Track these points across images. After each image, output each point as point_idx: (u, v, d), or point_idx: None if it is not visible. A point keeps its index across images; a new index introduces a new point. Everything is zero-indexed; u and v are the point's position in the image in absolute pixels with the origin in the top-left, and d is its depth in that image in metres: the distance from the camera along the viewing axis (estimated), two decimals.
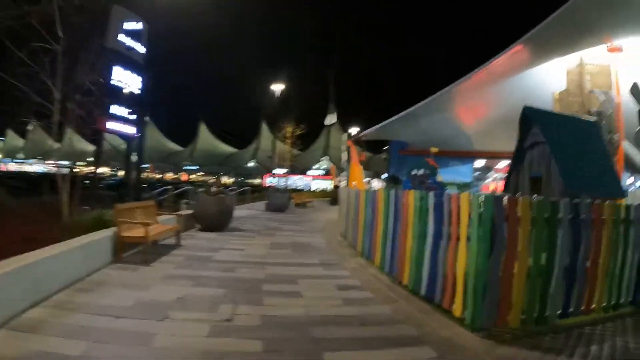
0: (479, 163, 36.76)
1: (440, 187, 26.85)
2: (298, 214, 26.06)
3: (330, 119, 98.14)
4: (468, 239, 6.12)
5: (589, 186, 10.07)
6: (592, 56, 21.21)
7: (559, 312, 6.38)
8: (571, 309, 6.53)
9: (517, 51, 21.64)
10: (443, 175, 29.25)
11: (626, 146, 21.99)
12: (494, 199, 5.92)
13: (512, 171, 11.38)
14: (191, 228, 14.64)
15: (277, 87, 41.53)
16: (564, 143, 10.58)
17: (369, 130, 28.53)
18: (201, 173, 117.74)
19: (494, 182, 34.01)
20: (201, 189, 16.49)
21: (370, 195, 10.39)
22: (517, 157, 11.22)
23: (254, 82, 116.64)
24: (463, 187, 35.18)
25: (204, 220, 14.76)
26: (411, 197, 7.92)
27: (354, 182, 22.79)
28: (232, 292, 7.40)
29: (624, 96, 20.79)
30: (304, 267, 9.85)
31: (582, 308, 6.65)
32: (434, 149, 27.88)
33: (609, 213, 6.90)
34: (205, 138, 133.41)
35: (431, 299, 7.05)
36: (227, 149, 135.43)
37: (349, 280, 8.71)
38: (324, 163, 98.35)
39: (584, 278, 6.62)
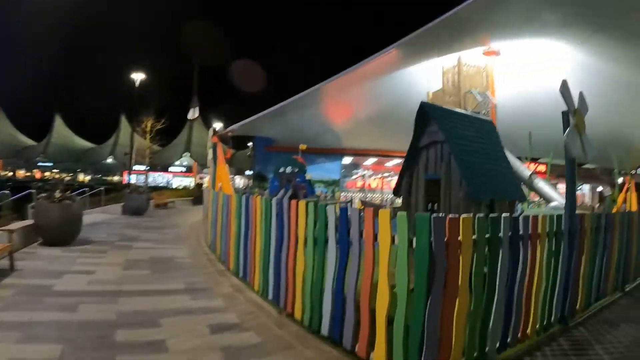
0: (347, 160, 36.28)
1: (309, 185, 25.56)
2: (159, 217, 23.46)
3: (193, 113, 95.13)
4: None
5: (492, 189, 9.29)
6: (469, 57, 21.15)
7: (497, 345, 5.44)
8: (509, 339, 5.65)
9: (393, 53, 20.97)
10: (311, 173, 28.01)
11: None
12: (433, 221, 4.55)
13: (405, 173, 10.06)
14: (33, 242, 11.73)
15: (137, 77, 37.43)
16: (463, 143, 9.43)
17: (235, 125, 26.88)
18: (56, 170, 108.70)
19: (362, 179, 33.35)
20: (43, 194, 13.38)
21: (244, 202, 8.57)
22: (411, 158, 9.93)
23: (115, 72, 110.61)
24: (331, 184, 34.43)
25: (46, 233, 11.79)
26: (302, 209, 6.38)
27: (219, 184, 21.04)
28: (72, 350, 5.18)
29: (499, 97, 20.91)
30: (167, 296, 7.73)
31: (519, 336, 5.84)
32: (302, 146, 26.55)
33: (543, 226, 6.22)
34: (61, 132, 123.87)
35: (337, 341, 5.60)
36: (84, 143, 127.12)
37: (226, 315, 6.77)
38: (186, 159, 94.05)
39: (522, 303, 5.84)
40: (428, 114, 9.56)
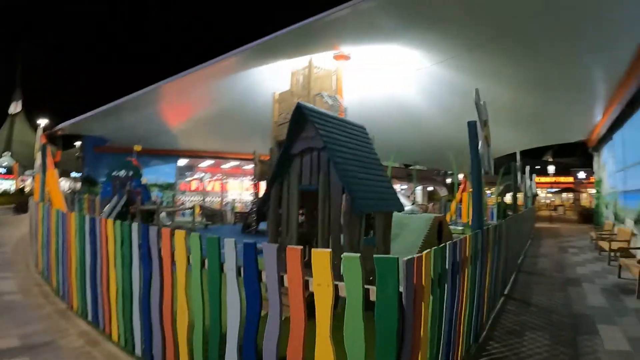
0: (182, 162, 34.54)
1: (146, 190, 23.65)
2: None
3: (15, 107, 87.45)
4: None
5: (375, 201, 8.45)
6: (320, 60, 20.54)
7: None
8: None
9: (238, 57, 19.86)
10: (146, 176, 25.99)
11: None
12: (406, 265, 3.53)
13: (274, 182, 8.83)
14: None
15: None
16: (343, 150, 8.43)
17: (66, 123, 24.18)
18: None
19: (200, 182, 31.67)
20: None
21: (88, 225, 6.85)
22: (282, 165, 8.73)
23: None
24: (166, 188, 32.44)
25: None
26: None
27: (47, 192, 18.60)
28: None
29: (348, 101, 20.48)
30: None
31: None
32: (137, 147, 24.53)
33: (469, 249, 5.80)
34: None
35: None
36: None
37: None
38: (6, 159, 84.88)
39: (457, 332, 5.33)
40: (306, 117, 8.40)
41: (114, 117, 24.11)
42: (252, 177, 20.98)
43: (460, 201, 32.62)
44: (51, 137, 20.95)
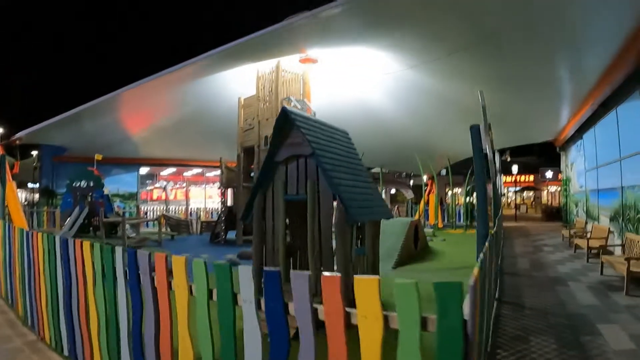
0: (143, 170, 33.65)
1: (108, 201, 22.84)
2: None
3: None
4: None
5: (366, 209, 8.15)
6: (286, 64, 20.23)
7: None
8: None
9: (201, 63, 19.29)
10: (107, 186, 25.11)
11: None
12: (472, 290, 3.01)
13: (257, 192, 8.33)
14: None
15: None
16: (331, 157, 8.02)
17: (24, 132, 23.10)
18: None
19: (162, 190, 30.84)
20: None
21: (60, 247, 6.09)
22: (265, 174, 8.25)
23: None
24: (128, 198, 31.53)
25: None
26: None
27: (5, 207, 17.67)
28: None
29: (315, 106, 20.13)
30: None
31: None
32: (98, 156, 23.69)
33: None
34: None
35: None
36: None
37: None
38: None
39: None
40: (292, 123, 7.94)
41: (73, 125, 23.22)
42: (219, 184, 20.31)
43: (427, 203, 32.67)
44: (8, 147, 19.81)
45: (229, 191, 21.76)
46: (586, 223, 20.60)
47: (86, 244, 5.45)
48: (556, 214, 35.50)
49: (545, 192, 63.62)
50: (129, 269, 4.85)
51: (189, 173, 36.73)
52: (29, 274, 7.27)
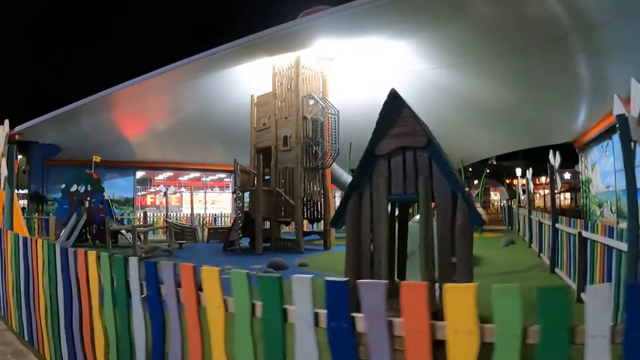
0: (139, 174, 32.02)
1: (109, 207, 21.21)
2: None
3: None
4: None
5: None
6: (304, 60, 19.18)
7: None
8: None
9: (208, 59, 18.06)
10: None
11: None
12: None
13: (352, 192, 6.91)
14: None
15: None
16: (442, 150, 6.65)
17: (24, 125, 21.09)
18: None
19: (163, 195, 29.12)
20: None
21: (60, 256, 5.37)
22: (363, 171, 6.84)
23: None
24: (124, 204, 29.86)
25: None
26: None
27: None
28: None
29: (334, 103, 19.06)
30: None
31: None
32: (96, 158, 22.00)
33: None
34: None
35: None
36: None
37: None
38: None
39: None
40: (401, 108, 6.58)
41: (71, 122, 21.67)
42: (233, 188, 18.86)
43: None
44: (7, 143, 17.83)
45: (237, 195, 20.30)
46: (618, 223, 19.56)
47: (92, 255, 4.70)
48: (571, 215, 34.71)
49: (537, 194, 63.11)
50: (148, 283, 4.13)
51: (184, 177, 35.17)
52: (26, 284, 6.50)
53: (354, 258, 6.94)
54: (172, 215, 26.94)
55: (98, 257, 4.59)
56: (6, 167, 9.07)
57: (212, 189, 35.78)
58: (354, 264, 6.93)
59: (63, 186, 21.22)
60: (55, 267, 5.41)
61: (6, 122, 9.35)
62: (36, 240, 6.04)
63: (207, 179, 35.09)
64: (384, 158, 6.71)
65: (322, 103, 18.78)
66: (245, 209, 18.80)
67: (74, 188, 20.83)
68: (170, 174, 33.97)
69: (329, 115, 18.96)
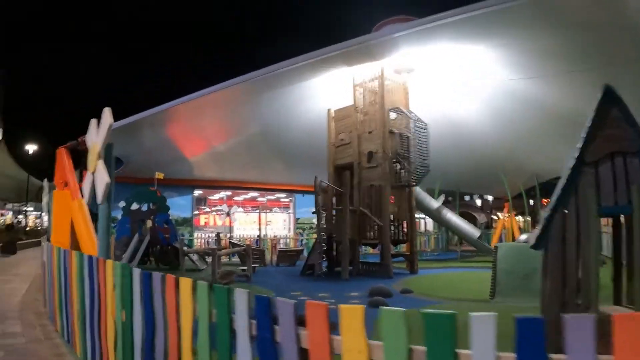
0: (196, 193, 31.01)
1: (173, 228, 20.02)
2: None
3: None
4: None
5: None
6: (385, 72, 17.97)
7: None
8: None
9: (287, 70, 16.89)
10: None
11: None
12: None
13: (557, 209, 5.49)
14: None
15: None
16: None
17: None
18: None
19: (223, 215, 27.99)
20: None
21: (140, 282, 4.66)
22: (569, 182, 5.45)
23: None
24: (182, 224, 28.73)
25: None
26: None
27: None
28: None
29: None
30: None
31: None
32: (159, 175, 20.86)
33: None
34: None
35: None
36: None
37: None
38: None
39: None
40: (612, 106, 5.28)
41: (135, 136, 20.56)
42: (315, 207, 17.52)
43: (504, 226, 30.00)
44: (73, 152, 16.12)
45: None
46: None
47: (186, 282, 3.94)
48: None
49: None
50: (259, 322, 3.37)
51: (240, 197, 33.97)
52: (91, 310, 5.83)
53: (557, 286, 5.55)
54: (238, 237, 25.88)
55: (193, 286, 3.87)
56: (106, 173, 7.11)
57: (270, 210, 34.52)
58: (556, 293, 5.54)
59: (123, 204, 20.04)
60: (130, 293, 4.73)
61: (107, 111, 7.22)
62: (104, 260, 5.39)
63: (264, 199, 33.84)
64: (589, 166, 5.38)
65: (409, 116, 17.46)
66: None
67: (135, 206, 19.70)
68: (228, 192, 32.81)
69: (417, 129, 17.63)
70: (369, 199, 17.44)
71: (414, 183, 17.83)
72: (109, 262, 5.32)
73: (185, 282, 3.92)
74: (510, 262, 11.35)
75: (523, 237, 16.96)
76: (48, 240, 13.73)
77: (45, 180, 23.18)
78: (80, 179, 14.59)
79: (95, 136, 7.49)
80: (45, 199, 22.49)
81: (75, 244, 12.15)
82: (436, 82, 19.62)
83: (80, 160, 15.87)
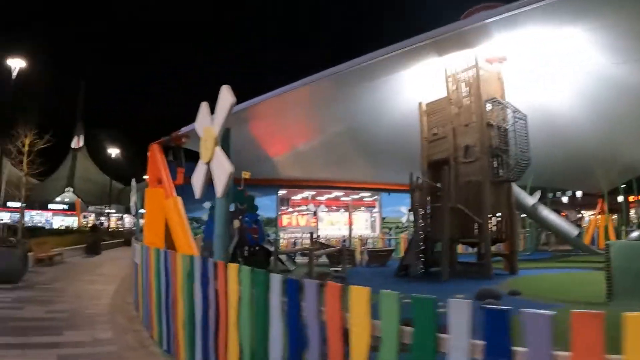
0: (281, 193, 30.84)
1: (262, 228, 19.71)
2: (42, 288, 13.73)
3: (77, 141, 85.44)
4: None
5: None
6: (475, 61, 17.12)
7: None
8: None
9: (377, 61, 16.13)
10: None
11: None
12: None
13: None
14: None
15: (16, 63, 24.96)
16: None
17: (189, 127, 18.03)
18: None
19: (313, 215, 27.76)
20: None
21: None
22: None
23: None
24: (267, 224, 28.49)
25: None
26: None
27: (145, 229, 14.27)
28: None
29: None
30: None
31: None
32: (246, 174, 20.54)
33: None
34: None
35: None
36: None
37: None
38: (68, 195, 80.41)
39: None
40: None
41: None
42: (411, 205, 16.90)
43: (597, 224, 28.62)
44: (169, 147, 15.33)
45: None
46: None
47: (361, 292, 3.37)
48: None
49: None
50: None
51: (323, 197, 33.53)
52: (204, 321, 5.37)
53: None
54: (325, 237, 25.55)
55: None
56: (227, 160, 6.08)
57: (355, 209, 33.94)
58: None
59: (209, 204, 19.85)
60: (264, 304, 4.20)
61: (226, 88, 6.03)
62: (224, 264, 4.99)
63: (348, 198, 33.31)
64: None
65: (507, 107, 16.59)
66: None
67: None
68: (312, 192, 32.44)
69: (516, 121, 16.74)
70: (466, 196, 16.62)
71: (514, 178, 16.94)
72: (233, 267, 4.80)
73: (361, 292, 3.33)
74: (625, 261, 10.49)
75: (635, 234, 15.85)
76: (137, 240, 13.57)
77: (133, 180, 23.38)
78: (174, 175, 14.37)
79: (209, 120, 6.56)
80: (133, 199, 22.68)
81: (169, 245, 11.87)
82: (527, 70, 18.64)
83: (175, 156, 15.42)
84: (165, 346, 6.85)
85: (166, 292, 6.86)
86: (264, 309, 4.20)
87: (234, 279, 4.71)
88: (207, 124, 6.56)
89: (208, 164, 6.43)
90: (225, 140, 6.42)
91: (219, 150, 6.23)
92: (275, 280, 4.11)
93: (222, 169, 6.05)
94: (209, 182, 6.39)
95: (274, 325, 4.11)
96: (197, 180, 6.84)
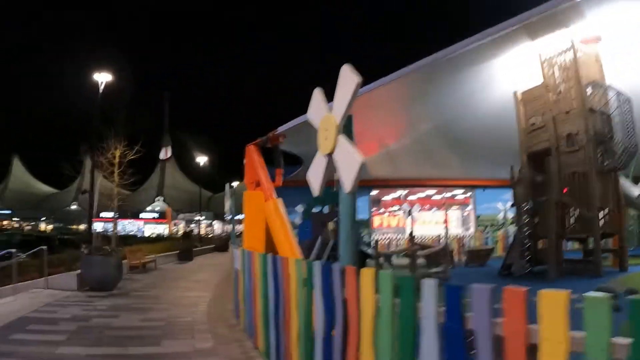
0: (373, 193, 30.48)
1: (357, 231, 19.29)
2: (137, 295, 14.01)
3: (165, 152, 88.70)
4: None
5: None
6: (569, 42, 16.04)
7: None
8: None
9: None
10: None
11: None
12: None
13: None
14: None
15: (103, 77, 25.39)
16: None
17: (288, 125, 17.22)
18: (16, 219, 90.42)
19: (408, 215, 27.24)
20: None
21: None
22: None
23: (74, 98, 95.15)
24: (361, 226, 28.16)
25: None
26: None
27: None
28: None
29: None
30: None
31: None
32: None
33: None
34: (19, 176, 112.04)
35: None
36: (45, 188, 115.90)
37: None
38: (158, 204, 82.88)
39: None
40: None
41: (308, 135, 19.85)
42: (513, 201, 16.21)
43: None
44: (266, 147, 14.58)
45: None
46: None
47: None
48: None
49: None
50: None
51: (414, 196, 32.84)
52: (326, 338, 4.87)
53: None
54: (420, 237, 25.01)
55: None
56: (356, 151, 4.84)
57: (451, 207, 33.23)
58: None
59: (302, 208, 19.63)
60: (412, 318, 3.61)
61: (347, 67, 4.99)
62: (354, 270, 4.40)
63: (440, 197, 32.66)
64: None
65: (610, 90, 15.60)
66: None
67: (318, 209, 19.22)
68: (403, 192, 31.84)
69: (620, 105, 15.71)
70: (571, 188, 15.68)
71: (621, 166, 15.80)
72: (368, 272, 4.17)
73: (558, 297, 2.79)
74: None
75: None
76: (234, 245, 13.50)
77: (227, 184, 23.46)
78: (272, 177, 14.01)
79: (325, 108, 5.57)
80: (227, 204, 22.69)
81: (269, 249, 11.44)
82: (625, 50, 17.41)
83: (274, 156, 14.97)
84: (273, 359, 6.52)
85: (275, 300, 6.54)
86: (412, 322, 3.63)
87: (369, 287, 4.14)
88: (324, 112, 5.54)
89: (329, 155, 5.49)
90: (347, 128, 5.44)
91: (343, 139, 5.11)
92: (429, 286, 3.46)
93: (350, 160, 4.88)
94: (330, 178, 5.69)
95: (427, 341, 3.47)
96: (316, 176, 5.86)
